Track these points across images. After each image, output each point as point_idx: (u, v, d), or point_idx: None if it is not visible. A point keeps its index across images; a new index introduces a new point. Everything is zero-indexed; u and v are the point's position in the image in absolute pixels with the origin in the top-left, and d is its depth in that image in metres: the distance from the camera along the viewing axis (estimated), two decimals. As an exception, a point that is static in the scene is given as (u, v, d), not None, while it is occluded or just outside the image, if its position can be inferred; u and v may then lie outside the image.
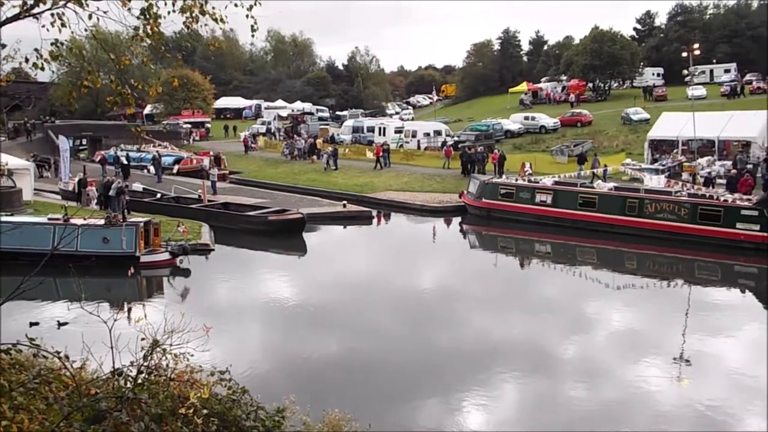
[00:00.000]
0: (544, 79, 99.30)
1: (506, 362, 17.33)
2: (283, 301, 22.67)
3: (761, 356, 17.47)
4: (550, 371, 16.85)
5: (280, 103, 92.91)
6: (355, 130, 62.68)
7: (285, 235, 31.70)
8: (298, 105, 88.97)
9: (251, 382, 11.94)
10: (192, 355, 7.10)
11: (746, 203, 27.86)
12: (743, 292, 25.19)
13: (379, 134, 58.16)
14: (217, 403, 6.89)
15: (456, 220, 36.64)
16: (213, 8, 6.96)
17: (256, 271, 27.53)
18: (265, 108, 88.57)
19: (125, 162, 48.04)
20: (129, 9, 6.64)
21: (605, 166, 39.41)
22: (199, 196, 36.69)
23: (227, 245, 30.91)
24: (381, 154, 48.04)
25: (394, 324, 20.79)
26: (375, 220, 37.05)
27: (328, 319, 20.88)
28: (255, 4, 7.00)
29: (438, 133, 55.88)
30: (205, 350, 7.63)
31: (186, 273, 25.95)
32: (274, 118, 72.62)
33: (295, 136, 61.47)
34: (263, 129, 70.53)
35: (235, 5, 6.93)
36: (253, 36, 7.18)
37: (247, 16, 7.00)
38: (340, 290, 24.38)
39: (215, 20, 6.95)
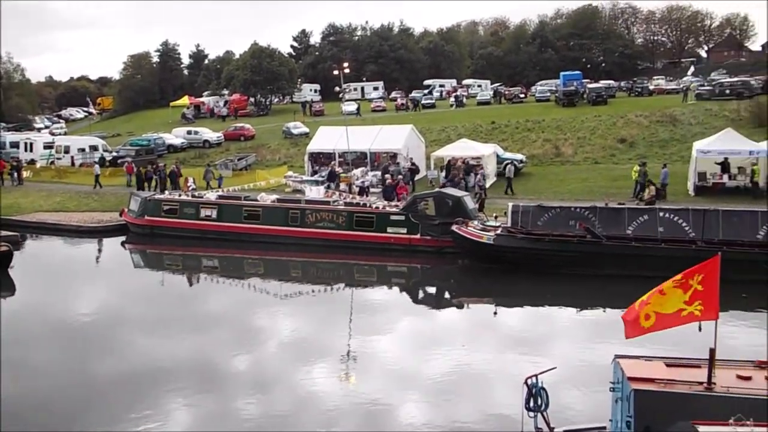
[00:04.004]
0: (206, 93, 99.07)
1: (175, 383, 16.75)
2: None
3: (413, 348, 19.19)
4: (220, 387, 16.64)
5: None
6: (-4, 146, 56.32)
7: None
8: None
9: None
10: None
11: (395, 209, 30.44)
12: (402, 291, 27.36)
13: (26, 150, 52.93)
14: None
15: (118, 240, 34.63)
16: None
17: None
18: None
19: None
20: None
21: (220, 176, 41.20)
22: None
23: None
24: (8, 170, 43.87)
25: (51, 358, 18.89)
26: (24, 245, 33.47)
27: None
28: None
29: (94, 148, 52.54)
30: None
31: None
32: None
33: None
34: None
35: None
36: None
37: None
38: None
39: None
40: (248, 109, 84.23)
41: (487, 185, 36.57)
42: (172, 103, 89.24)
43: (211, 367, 17.85)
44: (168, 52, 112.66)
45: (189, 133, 62.28)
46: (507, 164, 37.99)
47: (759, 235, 24.28)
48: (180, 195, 35.13)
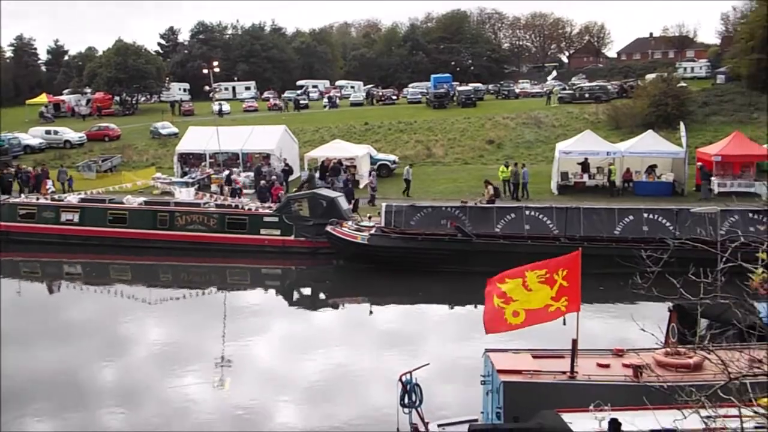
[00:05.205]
0: (66, 91, 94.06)
1: (34, 400, 15.73)
2: None
3: (289, 350, 18.98)
4: (85, 400, 15.80)
5: None
6: None
7: None
8: None
9: None
10: None
11: (268, 211, 30.02)
12: (277, 293, 27.04)
13: None
14: None
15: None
16: None
17: None
18: None
19: None
20: None
21: (70, 177, 40.25)
22: None
23: None
24: None
25: None
26: None
27: None
28: None
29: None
30: None
31: None
32: None
33: None
34: None
35: None
36: None
37: None
38: None
39: None
40: (113, 108, 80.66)
41: (361, 186, 36.84)
42: (28, 101, 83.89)
43: (75, 380, 16.93)
44: (23, 47, 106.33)
45: (48, 132, 58.78)
46: (406, 167, 38.32)
47: (616, 231, 25.72)
48: (38, 198, 33.14)
